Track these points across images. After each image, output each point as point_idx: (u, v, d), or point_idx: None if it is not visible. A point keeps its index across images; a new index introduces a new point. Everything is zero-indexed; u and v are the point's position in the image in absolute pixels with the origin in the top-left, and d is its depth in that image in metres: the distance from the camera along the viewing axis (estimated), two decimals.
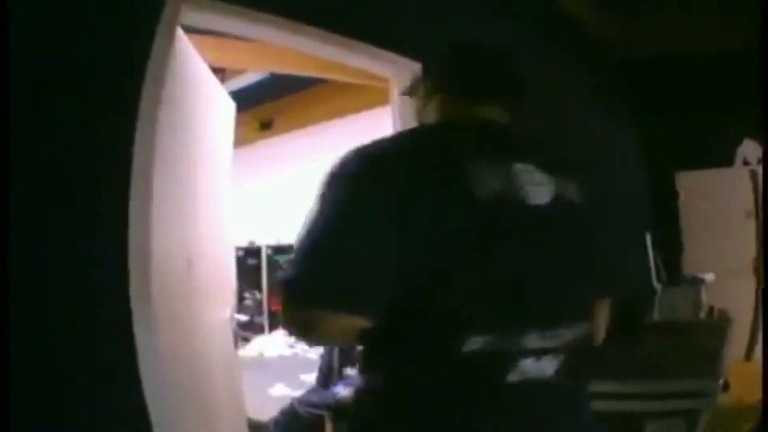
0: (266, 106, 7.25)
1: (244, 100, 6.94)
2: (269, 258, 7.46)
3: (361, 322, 0.89)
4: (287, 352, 6.73)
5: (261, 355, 6.56)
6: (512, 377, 0.91)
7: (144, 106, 1.43)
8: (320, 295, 0.87)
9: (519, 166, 0.97)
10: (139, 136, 1.42)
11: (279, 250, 7.56)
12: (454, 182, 0.91)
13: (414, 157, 0.94)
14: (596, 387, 1.12)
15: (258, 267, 7.40)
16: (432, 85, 1.12)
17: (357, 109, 5.86)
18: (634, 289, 1.38)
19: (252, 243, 7.49)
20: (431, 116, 1.11)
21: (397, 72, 2.29)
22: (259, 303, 7.49)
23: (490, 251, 0.91)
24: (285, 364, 6.12)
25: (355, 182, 0.91)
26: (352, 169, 0.93)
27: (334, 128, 6.25)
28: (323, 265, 0.88)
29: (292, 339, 6.73)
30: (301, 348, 6.74)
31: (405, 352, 0.93)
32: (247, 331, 7.40)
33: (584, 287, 1.04)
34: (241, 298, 6.82)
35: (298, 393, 4.35)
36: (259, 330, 7.46)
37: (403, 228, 0.87)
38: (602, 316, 1.13)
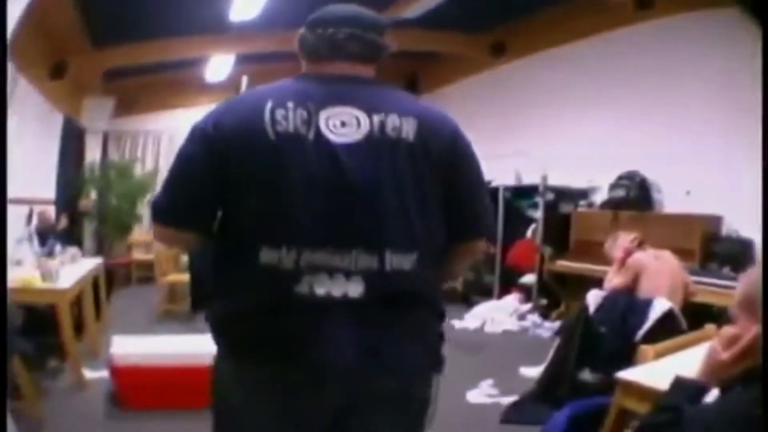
0: (499, 29, 6.67)
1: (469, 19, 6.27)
2: (507, 201, 6.42)
3: (193, 236, 1.26)
4: (514, 326, 5.69)
5: (482, 328, 5.65)
6: (302, 289, 1.13)
7: None
8: (164, 216, 1.26)
9: (333, 110, 1.20)
10: None
11: (519, 191, 6.42)
12: (256, 125, 1.18)
13: (238, 109, 1.22)
14: None
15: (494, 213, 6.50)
16: (300, 49, 1.33)
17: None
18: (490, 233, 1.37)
19: (487, 183, 6.58)
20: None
21: None
22: (491, 258, 6.35)
23: (274, 180, 1.16)
24: (505, 345, 5.08)
25: (196, 132, 1.23)
26: (199, 123, 1.24)
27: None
28: (167, 195, 1.24)
29: (524, 307, 5.78)
30: (533, 321, 5.73)
31: (222, 263, 1.23)
32: (473, 293, 6.57)
33: (398, 220, 1.19)
34: None
35: (505, 399, 3.49)
36: (486, 292, 6.49)
37: (217, 166, 1.18)
38: (459, 256, 1.35)
